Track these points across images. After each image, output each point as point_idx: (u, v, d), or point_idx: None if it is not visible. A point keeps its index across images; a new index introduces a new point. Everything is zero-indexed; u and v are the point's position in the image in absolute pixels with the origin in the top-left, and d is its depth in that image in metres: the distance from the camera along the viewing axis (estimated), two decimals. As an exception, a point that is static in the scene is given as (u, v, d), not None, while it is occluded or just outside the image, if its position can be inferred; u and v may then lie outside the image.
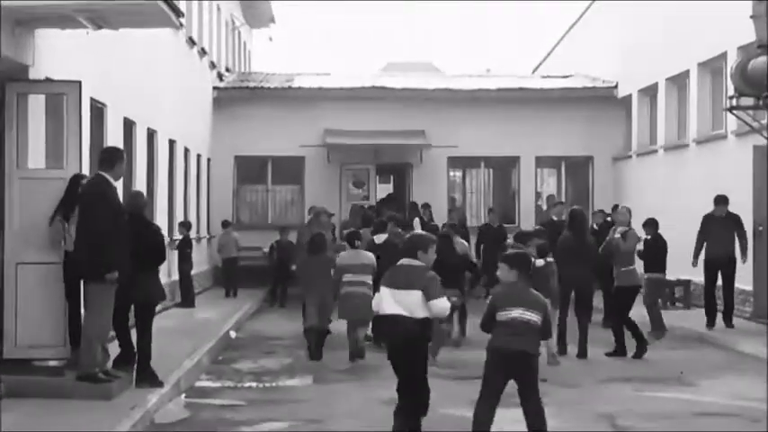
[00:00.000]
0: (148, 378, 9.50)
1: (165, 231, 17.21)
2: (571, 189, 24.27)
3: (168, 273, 17.50)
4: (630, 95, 22.66)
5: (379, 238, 13.87)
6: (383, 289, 7.48)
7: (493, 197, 24.40)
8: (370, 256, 12.39)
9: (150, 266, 9.76)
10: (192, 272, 18.26)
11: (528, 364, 7.04)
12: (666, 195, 19.47)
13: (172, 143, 18.20)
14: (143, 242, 9.56)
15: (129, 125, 14.65)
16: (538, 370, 7.20)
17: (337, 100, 23.56)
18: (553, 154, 23.81)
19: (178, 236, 18.12)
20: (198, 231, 20.99)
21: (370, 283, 11.94)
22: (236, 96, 23.78)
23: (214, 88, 23.50)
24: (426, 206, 21.37)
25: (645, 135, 22.08)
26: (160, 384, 9.45)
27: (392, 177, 27.70)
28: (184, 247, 17.89)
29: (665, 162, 20.47)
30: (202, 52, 21.74)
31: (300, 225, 18.20)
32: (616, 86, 23.52)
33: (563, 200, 21.72)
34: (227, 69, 26.02)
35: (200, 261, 20.68)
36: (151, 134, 16.34)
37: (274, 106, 23.52)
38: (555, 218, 16.85)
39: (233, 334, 14.76)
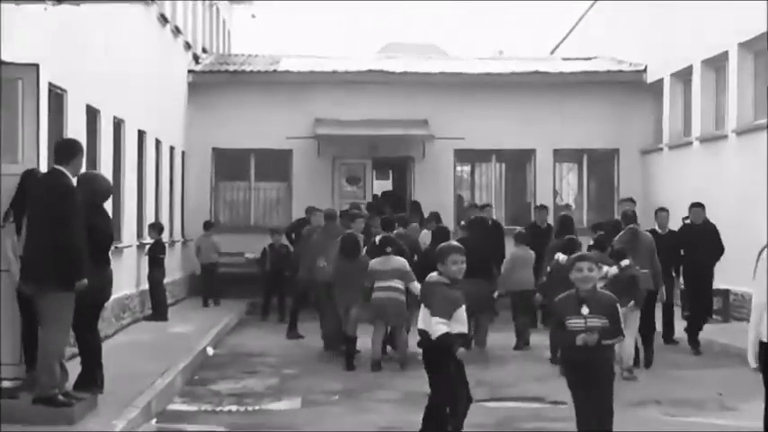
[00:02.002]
0: (93, 382, 9.71)
1: (133, 235, 17.35)
2: (594, 186, 24.29)
3: (137, 281, 17.51)
4: (661, 80, 22.67)
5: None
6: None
7: (505, 195, 24.40)
8: (401, 261, 13.43)
9: (105, 261, 9.85)
10: (165, 280, 18.25)
11: None
12: (701, 193, 19.40)
13: (141, 134, 18.20)
14: (99, 235, 9.58)
15: (92, 113, 14.64)
16: None
17: (329, 85, 23.56)
18: (573, 146, 23.83)
19: (149, 240, 18.09)
20: (171, 234, 20.97)
21: (402, 288, 13.25)
22: (214, 81, 23.77)
23: (189, 72, 23.50)
24: (487, 206, 19.82)
25: (678, 125, 22.09)
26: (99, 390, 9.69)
27: (391, 173, 27.74)
28: (156, 253, 17.86)
29: (700, 155, 20.48)
30: (176, 31, 21.74)
31: (295, 226, 18.23)
32: (645, 70, 23.54)
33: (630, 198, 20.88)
34: (204, 50, 26.03)
35: (174, 268, 20.67)
36: (118, 124, 16.35)
37: (258, 92, 23.52)
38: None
39: (210, 351, 14.77)
